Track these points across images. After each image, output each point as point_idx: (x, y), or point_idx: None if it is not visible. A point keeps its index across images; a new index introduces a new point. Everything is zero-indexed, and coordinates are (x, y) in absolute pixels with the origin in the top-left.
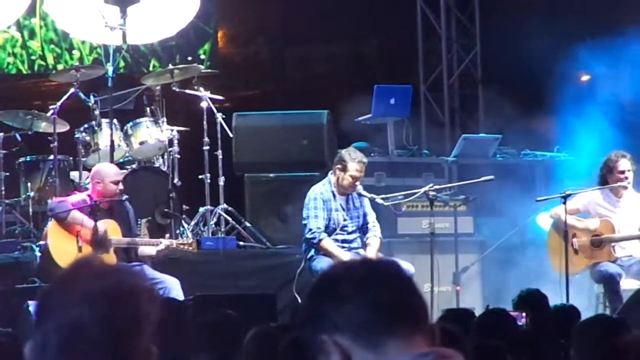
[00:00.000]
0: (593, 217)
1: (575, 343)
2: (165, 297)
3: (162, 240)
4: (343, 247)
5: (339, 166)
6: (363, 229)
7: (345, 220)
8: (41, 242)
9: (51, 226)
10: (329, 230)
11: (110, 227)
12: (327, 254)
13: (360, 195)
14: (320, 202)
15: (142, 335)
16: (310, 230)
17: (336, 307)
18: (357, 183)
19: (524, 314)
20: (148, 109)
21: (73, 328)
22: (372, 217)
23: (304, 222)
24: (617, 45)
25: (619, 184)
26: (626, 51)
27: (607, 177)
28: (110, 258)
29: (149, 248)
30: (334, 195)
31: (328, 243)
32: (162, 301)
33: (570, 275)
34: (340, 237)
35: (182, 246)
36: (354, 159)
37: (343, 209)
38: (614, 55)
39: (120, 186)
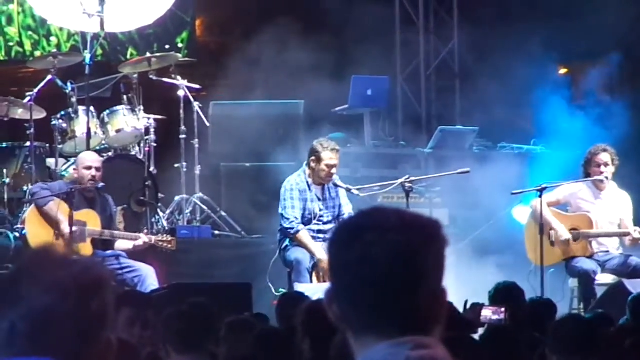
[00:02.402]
0: (573, 210)
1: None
2: (136, 289)
3: (140, 236)
4: (318, 238)
5: (312, 157)
6: (339, 220)
7: (321, 210)
8: (20, 226)
9: (30, 212)
10: (305, 221)
11: (89, 217)
12: (302, 245)
13: (336, 186)
14: (296, 192)
15: (105, 325)
16: (288, 220)
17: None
18: (334, 171)
19: (503, 309)
20: (125, 97)
21: (40, 317)
22: (347, 208)
23: (280, 212)
24: (592, 39)
25: (595, 177)
26: (600, 45)
27: (587, 169)
28: (87, 247)
29: (126, 242)
30: (309, 186)
31: (304, 235)
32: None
33: (545, 267)
34: (315, 227)
35: (161, 243)
36: (326, 148)
37: (319, 199)
38: (589, 49)
39: (93, 172)
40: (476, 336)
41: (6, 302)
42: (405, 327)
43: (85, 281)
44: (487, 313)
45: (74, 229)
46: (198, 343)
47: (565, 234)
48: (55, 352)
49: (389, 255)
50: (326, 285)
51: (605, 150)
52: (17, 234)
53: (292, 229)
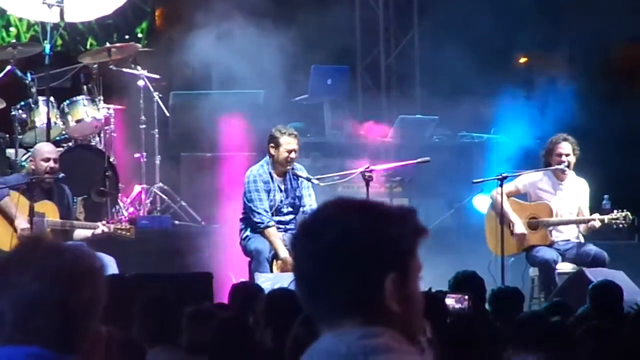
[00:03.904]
0: (533, 200)
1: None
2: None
3: (99, 224)
4: (279, 228)
5: (271, 144)
6: (299, 211)
7: (282, 201)
8: None
9: None
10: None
11: (48, 208)
12: (267, 239)
13: (296, 176)
14: (260, 183)
15: (94, 315)
16: (259, 214)
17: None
18: (293, 155)
19: (466, 297)
20: (85, 87)
21: (30, 304)
22: (308, 200)
23: (248, 204)
24: (551, 27)
25: (556, 167)
26: (562, 34)
27: (548, 159)
28: (49, 236)
29: (85, 231)
30: (271, 177)
31: (273, 233)
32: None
33: (505, 257)
34: (276, 218)
35: (119, 231)
36: (284, 133)
37: (280, 190)
38: (551, 38)
39: (51, 164)
40: None
41: None
42: (353, 318)
43: (75, 270)
44: (450, 301)
45: (34, 219)
46: (165, 336)
47: (521, 229)
48: (43, 341)
49: (330, 243)
50: (285, 275)
51: (565, 140)
52: None
53: (262, 222)
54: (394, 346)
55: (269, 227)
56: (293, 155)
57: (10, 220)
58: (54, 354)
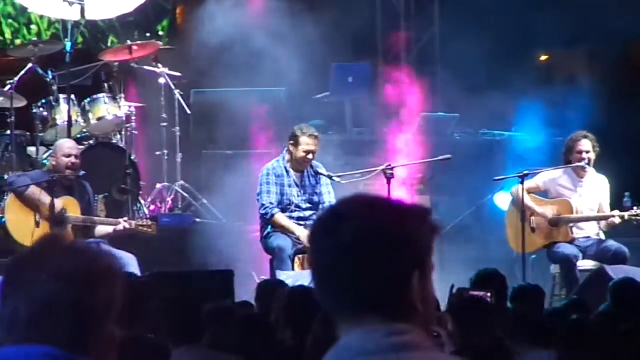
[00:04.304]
0: (553, 197)
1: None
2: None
3: (121, 221)
4: (299, 224)
5: (291, 142)
6: (319, 208)
7: (299, 197)
8: None
9: (10, 201)
10: (283, 206)
11: (69, 205)
12: (282, 229)
13: (318, 173)
14: (272, 177)
15: (108, 317)
16: (263, 205)
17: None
18: (310, 156)
19: (489, 294)
20: (106, 85)
21: (45, 303)
22: (328, 197)
23: (257, 197)
24: (573, 25)
25: (577, 164)
26: (581, 32)
27: (568, 156)
28: (68, 235)
29: (106, 228)
30: (287, 171)
31: (281, 218)
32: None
33: (527, 254)
34: (296, 214)
35: (141, 228)
36: (305, 133)
37: (297, 186)
38: (572, 35)
39: (73, 160)
40: None
41: (12, 287)
42: (377, 314)
43: (92, 270)
44: None
45: (56, 210)
46: (188, 335)
47: (548, 212)
48: (56, 340)
49: (350, 239)
50: (307, 272)
51: (585, 137)
52: None
53: (267, 213)
54: (421, 343)
55: (274, 215)
56: (310, 156)
57: (37, 210)
58: (68, 354)
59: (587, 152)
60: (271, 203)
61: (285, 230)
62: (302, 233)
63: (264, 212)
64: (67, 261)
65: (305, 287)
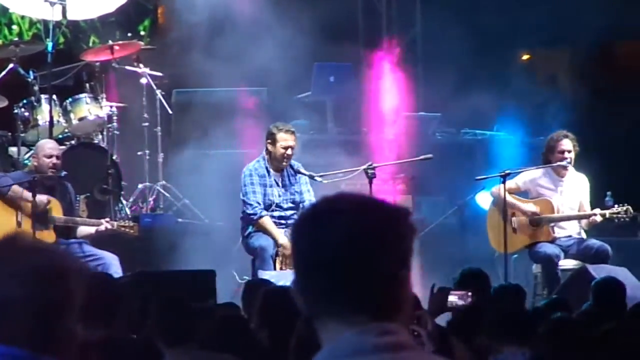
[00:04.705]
0: (534, 197)
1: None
2: (104, 272)
3: (102, 222)
4: (281, 224)
5: (269, 140)
6: (300, 207)
7: (280, 196)
8: None
9: None
10: (265, 206)
11: (51, 205)
12: (265, 231)
13: (298, 172)
14: (256, 177)
15: (68, 315)
16: (251, 205)
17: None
18: (290, 152)
19: (469, 293)
20: (87, 85)
21: (2, 304)
22: (308, 195)
23: (242, 198)
24: (555, 25)
25: (558, 163)
26: (563, 31)
27: (548, 156)
28: (50, 235)
29: (88, 228)
30: (268, 171)
31: (267, 221)
32: (100, 277)
33: (508, 253)
34: (276, 213)
35: (123, 229)
36: (281, 130)
37: (278, 185)
38: (551, 35)
39: (54, 160)
40: (442, 321)
41: None
42: (367, 313)
43: (45, 270)
44: (453, 298)
45: (39, 207)
46: (181, 335)
47: (530, 207)
48: (19, 341)
49: (346, 240)
50: (289, 272)
51: (566, 137)
52: None
53: (255, 214)
54: (411, 343)
55: (262, 217)
56: (289, 152)
57: (20, 208)
58: (32, 354)
59: (569, 151)
60: (258, 203)
61: (267, 233)
62: (284, 241)
63: (251, 212)
64: (22, 261)
65: (280, 287)
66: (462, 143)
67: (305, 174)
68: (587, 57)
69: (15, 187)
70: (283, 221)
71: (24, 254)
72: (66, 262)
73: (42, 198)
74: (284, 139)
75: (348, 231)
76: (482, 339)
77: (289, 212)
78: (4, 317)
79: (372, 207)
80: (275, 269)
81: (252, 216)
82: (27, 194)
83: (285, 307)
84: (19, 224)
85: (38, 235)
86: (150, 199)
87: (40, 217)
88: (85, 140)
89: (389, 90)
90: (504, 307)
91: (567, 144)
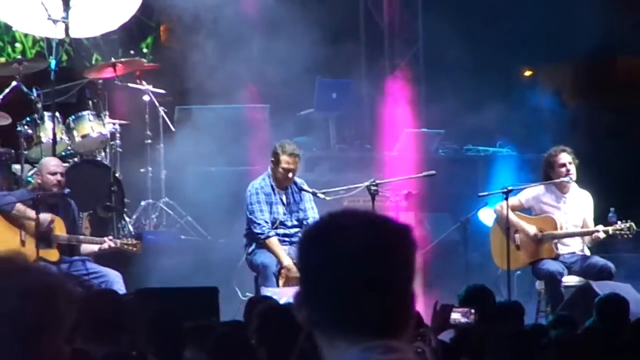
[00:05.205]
0: (537, 214)
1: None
2: (109, 289)
3: (105, 239)
4: (284, 242)
5: (272, 159)
6: (304, 224)
7: (285, 214)
8: None
9: None
10: (271, 225)
11: (54, 223)
12: (269, 250)
13: (301, 190)
14: (262, 196)
15: (53, 334)
16: (259, 225)
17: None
18: (290, 175)
19: (472, 310)
20: (90, 102)
21: None
22: (312, 212)
23: (249, 216)
24: (557, 41)
25: (561, 179)
26: (565, 47)
27: (549, 173)
28: (54, 253)
29: (91, 246)
30: (273, 189)
31: (274, 242)
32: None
33: (511, 270)
34: (281, 231)
35: (126, 247)
36: (285, 152)
37: (282, 204)
38: (553, 51)
39: (58, 177)
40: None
41: None
42: (374, 330)
43: (28, 289)
44: (456, 316)
45: (42, 225)
46: (170, 350)
47: (531, 229)
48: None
49: (355, 257)
50: (292, 289)
51: (564, 151)
52: None
53: (263, 234)
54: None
55: (269, 237)
56: (290, 175)
57: (24, 227)
58: None
59: (569, 163)
60: (266, 222)
61: (273, 253)
62: (288, 262)
63: (259, 231)
64: (7, 280)
65: (277, 305)
66: (465, 159)
67: (308, 191)
68: (589, 73)
69: (19, 206)
70: (287, 239)
71: (9, 273)
72: (55, 282)
73: (45, 217)
74: (286, 162)
75: (357, 248)
76: (487, 356)
77: (293, 230)
78: None
79: (378, 224)
80: (278, 285)
81: (259, 235)
82: (31, 213)
83: (284, 324)
84: (22, 242)
85: (42, 253)
86: (153, 216)
87: (44, 235)
88: (88, 157)
89: (391, 106)
90: (502, 325)
91: (565, 157)
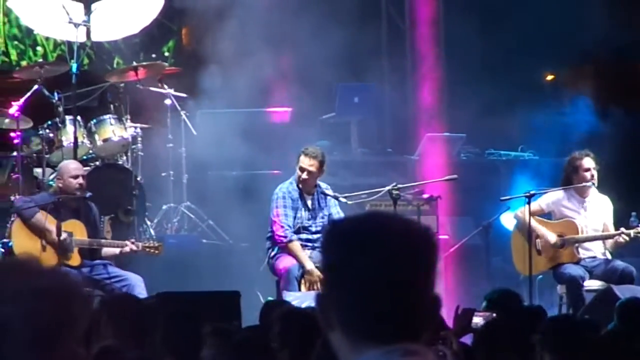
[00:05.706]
0: (557, 218)
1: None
2: (129, 293)
3: (127, 243)
4: (307, 246)
5: (297, 161)
6: None
7: (309, 220)
8: (5, 240)
9: (16, 225)
10: (294, 229)
11: (75, 227)
12: (291, 254)
13: (323, 193)
14: (288, 200)
15: (67, 336)
16: (282, 228)
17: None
18: (305, 175)
19: (494, 315)
20: (112, 106)
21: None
22: (337, 217)
23: (273, 219)
24: (579, 45)
25: (584, 183)
26: (589, 51)
27: (571, 177)
28: (75, 257)
29: (113, 250)
30: (300, 194)
31: (296, 246)
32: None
33: (533, 275)
34: (304, 236)
35: (147, 249)
36: (304, 152)
37: (308, 209)
38: (577, 55)
39: (80, 180)
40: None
41: None
42: (394, 333)
43: (44, 292)
44: (478, 320)
45: (62, 237)
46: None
47: (552, 237)
48: None
49: (378, 259)
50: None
51: (588, 155)
52: (1, 248)
53: (285, 237)
54: None
55: (292, 241)
56: (305, 175)
57: (42, 236)
58: None
59: (593, 168)
60: (289, 226)
61: (295, 258)
62: (311, 267)
63: (282, 234)
64: (23, 283)
65: (299, 309)
66: (486, 163)
67: (330, 195)
68: (611, 77)
69: (39, 216)
70: (310, 243)
71: (25, 275)
72: (70, 284)
73: (64, 235)
74: (302, 161)
75: (379, 251)
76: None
77: (316, 236)
78: (4, 337)
79: (400, 227)
80: (300, 290)
81: (282, 238)
82: (50, 225)
83: (307, 328)
84: (43, 247)
85: (62, 258)
86: (175, 220)
87: (63, 247)
88: (110, 161)
89: (413, 110)
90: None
91: (589, 162)
